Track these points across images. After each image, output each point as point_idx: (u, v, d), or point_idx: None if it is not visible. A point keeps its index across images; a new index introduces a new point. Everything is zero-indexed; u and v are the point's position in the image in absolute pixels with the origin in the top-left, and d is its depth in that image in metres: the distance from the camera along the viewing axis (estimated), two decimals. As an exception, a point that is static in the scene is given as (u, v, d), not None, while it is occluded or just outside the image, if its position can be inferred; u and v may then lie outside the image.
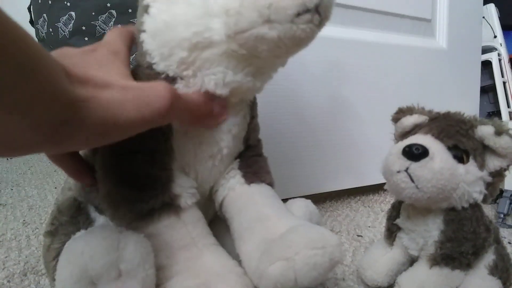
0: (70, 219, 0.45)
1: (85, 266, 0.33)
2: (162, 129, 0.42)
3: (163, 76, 0.42)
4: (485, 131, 0.41)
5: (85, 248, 0.33)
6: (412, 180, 0.40)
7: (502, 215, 0.76)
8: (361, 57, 0.86)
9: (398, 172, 0.41)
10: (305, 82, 0.78)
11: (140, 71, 0.43)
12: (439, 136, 0.42)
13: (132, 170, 0.41)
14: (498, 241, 0.45)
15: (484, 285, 0.42)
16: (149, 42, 0.41)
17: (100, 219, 0.45)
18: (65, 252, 0.34)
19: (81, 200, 0.47)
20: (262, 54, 0.39)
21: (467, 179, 0.41)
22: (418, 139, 0.43)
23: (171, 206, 0.41)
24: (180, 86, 0.42)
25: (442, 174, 0.39)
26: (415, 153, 0.40)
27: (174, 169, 0.43)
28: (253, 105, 0.51)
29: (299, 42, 0.38)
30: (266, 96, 0.72)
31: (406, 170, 0.40)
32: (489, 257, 0.43)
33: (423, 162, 0.40)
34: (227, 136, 0.45)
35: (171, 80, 0.42)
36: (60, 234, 0.44)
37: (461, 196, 0.41)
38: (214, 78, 0.40)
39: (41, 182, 1.03)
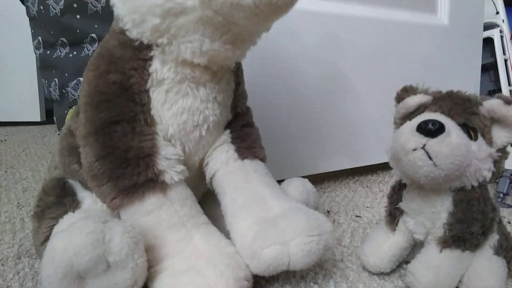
0: (56, 200, 0.44)
1: (70, 262, 0.32)
2: (139, 98, 0.41)
3: (137, 43, 0.40)
4: (494, 103, 0.40)
5: (68, 245, 0.32)
6: (430, 158, 0.38)
7: (501, 195, 0.75)
8: (359, 34, 0.84)
9: (414, 150, 0.39)
10: (300, 60, 0.76)
11: (114, 37, 0.42)
12: (450, 113, 0.41)
13: (113, 144, 0.40)
14: (499, 221, 0.44)
15: (491, 265, 0.41)
16: (120, 6, 0.39)
17: (87, 201, 0.45)
18: (48, 249, 0.33)
19: (67, 179, 0.46)
20: (239, 22, 0.37)
21: (479, 156, 0.39)
22: (430, 116, 0.41)
23: (156, 182, 0.40)
24: (156, 54, 0.41)
25: (459, 150, 0.38)
26: (432, 129, 0.38)
27: (157, 141, 0.42)
28: (237, 71, 0.49)
29: (276, 9, 0.36)
30: (259, 75, 0.71)
31: (423, 147, 0.39)
32: (493, 237, 0.43)
33: (440, 137, 0.38)
34: (212, 104, 0.44)
35: (146, 47, 0.40)
36: (46, 218, 0.43)
37: (473, 174, 0.40)
38: (191, 46, 0.39)
39: (36, 164, 1.02)
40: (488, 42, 1.40)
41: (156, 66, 0.41)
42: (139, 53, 0.41)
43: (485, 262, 0.42)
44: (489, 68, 1.43)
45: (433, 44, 0.97)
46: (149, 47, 0.41)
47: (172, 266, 0.38)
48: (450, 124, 0.39)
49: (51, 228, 0.42)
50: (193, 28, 0.38)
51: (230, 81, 0.47)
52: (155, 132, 0.42)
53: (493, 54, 1.41)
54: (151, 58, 0.41)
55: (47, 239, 0.42)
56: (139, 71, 0.41)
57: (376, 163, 0.91)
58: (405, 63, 0.92)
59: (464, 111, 0.41)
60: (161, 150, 0.41)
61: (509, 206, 0.73)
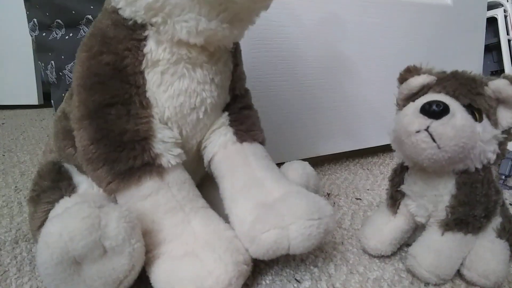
0: (52, 184, 0.43)
1: (66, 248, 0.31)
2: (134, 80, 0.40)
3: (130, 22, 0.39)
4: (500, 83, 0.39)
5: (63, 230, 0.32)
6: (434, 140, 0.38)
7: (503, 177, 0.75)
8: (360, 13, 0.82)
9: (418, 132, 0.38)
10: (300, 41, 0.74)
11: (106, 16, 0.41)
12: (454, 94, 0.40)
13: (107, 127, 0.39)
14: (503, 203, 0.44)
15: (493, 248, 0.41)
16: None
17: (83, 185, 0.44)
18: (43, 235, 0.33)
19: (62, 163, 0.45)
20: None
21: (484, 137, 0.39)
22: (434, 97, 0.40)
23: (152, 166, 0.40)
24: (150, 34, 0.39)
25: (464, 132, 0.37)
26: (436, 110, 0.37)
27: (153, 124, 0.41)
28: (235, 52, 0.48)
29: None
30: (259, 57, 0.70)
31: (427, 129, 0.38)
32: (496, 220, 0.42)
33: (445, 119, 0.37)
34: (209, 85, 0.43)
35: (140, 27, 0.39)
36: (42, 203, 0.42)
37: (477, 156, 0.39)
38: (186, 25, 0.37)
39: (34, 147, 1.01)
40: (491, 22, 1.38)
41: (150, 47, 0.40)
42: (133, 33, 0.39)
43: (487, 245, 0.41)
44: (492, 49, 1.41)
45: (436, 24, 0.95)
46: (143, 26, 0.39)
47: (170, 251, 0.37)
48: (454, 105, 0.38)
49: (47, 212, 0.42)
50: (189, 6, 0.37)
51: (228, 62, 0.46)
52: (151, 115, 0.41)
53: (496, 34, 1.38)
54: (145, 38, 0.40)
55: (43, 223, 0.41)
56: (133, 51, 0.40)
57: (376, 145, 0.91)
58: (408, 43, 0.91)
59: (469, 91, 0.40)
60: (157, 133, 0.40)
61: (511, 188, 0.72)
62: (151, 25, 0.39)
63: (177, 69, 0.41)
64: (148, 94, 0.41)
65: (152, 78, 0.41)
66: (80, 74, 0.40)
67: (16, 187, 0.72)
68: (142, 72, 0.40)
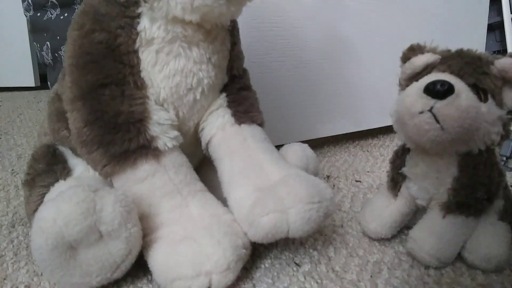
0: (46, 167, 0.43)
1: (60, 233, 0.31)
2: (127, 59, 0.39)
3: None
4: (506, 62, 0.38)
5: (58, 216, 0.31)
6: (437, 121, 0.36)
7: (504, 158, 0.74)
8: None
9: (421, 113, 0.37)
10: (300, 21, 0.73)
11: None
12: (459, 73, 0.39)
13: (101, 108, 0.38)
14: (505, 185, 0.43)
15: (495, 231, 0.41)
16: None
17: (78, 168, 0.43)
18: (37, 220, 0.32)
19: (57, 146, 0.45)
20: None
21: (488, 118, 0.38)
22: (438, 77, 0.38)
23: (148, 149, 0.39)
24: (144, 10, 0.38)
25: (468, 113, 0.36)
26: (441, 90, 0.36)
27: (149, 105, 0.40)
28: (233, 30, 0.47)
29: None
30: (257, 36, 0.68)
31: (430, 109, 0.36)
32: (499, 202, 0.42)
33: (449, 99, 0.36)
34: (206, 65, 0.42)
35: (133, 3, 0.38)
36: (37, 186, 0.42)
37: (481, 137, 0.38)
38: (181, 1, 0.36)
39: (30, 130, 1.00)
40: (495, 1, 1.35)
41: (144, 24, 0.38)
42: (125, 10, 0.38)
43: (489, 228, 0.41)
44: (495, 28, 1.38)
45: (438, 3, 0.93)
46: (136, 3, 0.38)
47: (168, 235, 0.37)
48: (459, 85, 0.37)
49: (43, 196, 0.41)
50: None
51: (225, 41, 0.45)
52: (146, 95, 0.40)
53: (499, 13, 1.36)
54: (139, 16, 0.38)
55: (38, 207, 0.41)
56: (126, 29, 0.38)
57: (376, 127, 0.90)
58: (409, 22, 0.89)
59: (474, 70, 0.39)
60: (153, 115, 0.39)
61: (511, 169, 0.72)
62: (145, 1, 0.38)
63: (173, 48, 0.40)
64: (142, 74, 0.40)
65: (146, 58, 0.39)
66: (71, 53, 0.39)
67: (12, 170, 0.71)
68: (136, 51, 0.39)
